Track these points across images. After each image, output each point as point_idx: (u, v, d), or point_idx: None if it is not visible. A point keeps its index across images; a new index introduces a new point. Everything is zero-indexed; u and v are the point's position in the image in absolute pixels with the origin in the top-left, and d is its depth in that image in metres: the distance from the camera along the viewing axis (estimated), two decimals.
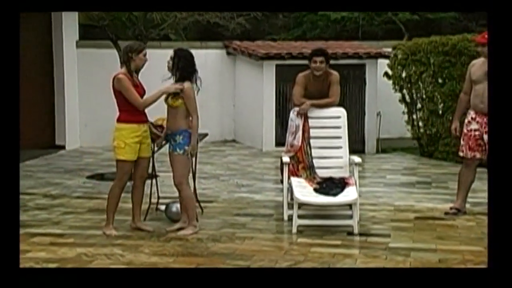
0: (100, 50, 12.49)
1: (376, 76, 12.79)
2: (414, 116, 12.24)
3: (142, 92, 6.59)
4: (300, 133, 7.49)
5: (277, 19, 17.83)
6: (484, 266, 5.62)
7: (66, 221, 7.21)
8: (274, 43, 13.93)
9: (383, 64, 12.75)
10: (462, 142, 7.56)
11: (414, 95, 12.16)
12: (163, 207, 7.56)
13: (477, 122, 7.41)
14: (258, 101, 12.50)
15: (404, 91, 12.27)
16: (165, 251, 6.08)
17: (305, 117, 7.53)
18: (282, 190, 8.69)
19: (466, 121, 7.56)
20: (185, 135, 6.56)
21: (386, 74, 12.49)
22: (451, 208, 7.53)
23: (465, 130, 7.52)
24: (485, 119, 7.34)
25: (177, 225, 6.82)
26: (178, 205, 7.02)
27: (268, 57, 12.23)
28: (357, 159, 7.25)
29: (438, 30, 16.75)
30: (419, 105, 12.14)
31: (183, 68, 6.56)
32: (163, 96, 6.56)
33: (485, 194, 8.15)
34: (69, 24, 12.39)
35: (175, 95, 6.52)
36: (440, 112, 11.66)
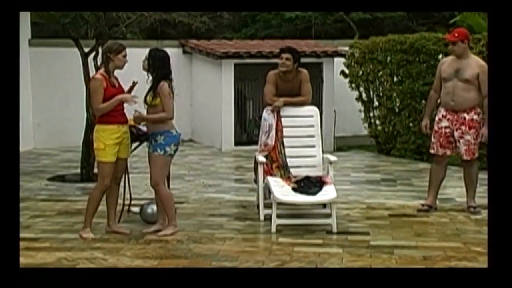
0: (54, 48, 12.23)
1: (333, 74, 12.87)
2: (371, 114, 12.37)
3: (121, 92, 6.47)
4: (273, 132, 7.45)
5: (222, 19, 17.77)
6: (466, 262, 5.74)
7: (36, 224, 7.00)
8: (231, 41, 13.87)
9: (339, 63, 12.85)
10: (433, 139, 7.65)
11: (371, 93, 12.29)
12: (134, 209, 7.45)
13: (448, 120, 7.51)
14: (217, 101, 12.43)
15: (361, 89, 12.39)
16: (148, 253, 5.97)
17: (278, 116, 7.50)
18: (251, 189, 8.78)
19: (436, 118, 7.66)
20: (166, 135, 6.49)
21: (342, 72, 12.59)
22: (423, 205, 7.62)
23: (435, 128, 7.61)
24: (455, 116, 7.45)
25: (154, 227, 6.70)
26: (154, 207, 6.91)
27: (226, 56, 12.16)
28: (332, 158, 7.27)
29: (381, 29, 17.02)
30: (376, 103, 12.27)
31: (159, 68, 6.47)
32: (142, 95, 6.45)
33: (452, 190, 8.35)
34: (21, 22, 12.05)
35: (153, 94, 6.43)
36: (398, 110, 11.82)
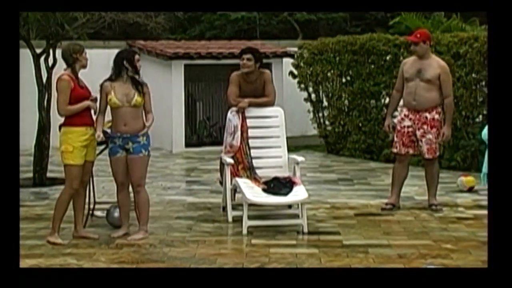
0: None
1: (282, 75, 12.92)
2: (320, 114, 12.47)
3: (88, 94, 6.35)
4: (238, 133, 7.40)
5: (149, 20, 17.53)
6: (440, 259, 5.82)
7: None
8: (179, 42, 13.77)
9: (287, 63, 12.92)
10: (395, 138, 7.74)
11: (321, 94, 12.39)
12: (98, 213, 7.30)
13: (410, 119, 7.62)
14: (167, 102, 12.29)
15: (310, 89, 12.48)
16: (122, 258, 5.85)
17: (243, 117, 7.46)
18: (211, 191, 8.76)
19: (399, 118, 7.76)
20: (146, 136, 6.45)
21: (291, 73, 12.65)
22: (386, 204, 7.70)
23: (398, 127, 7.71)
24: (417, 116, 7.57)
25: (121, 231, 6.57)
26: None
27: (177, 57, 12.06)
28: (299, 158, 7.28)
29: (316, 31, 17.24)
30: (325, 104, 12.38)
31: (127, 68, 6.43)
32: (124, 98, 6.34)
33: (410, 189, 8.47)
34: None
35: (139, 93, 6.35)
36: (347, 110, 11.95)
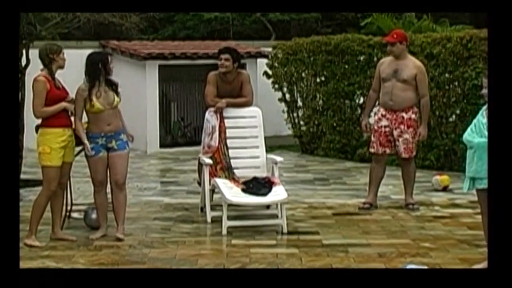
0: None
1: (256, 75, 12.91)
2: (295, 115, 12.50)
3: (65, 95, 6.30)
4: (216, 133, 7.39)
5: (124, 20, 17.45)
6: (420, 258, 5.86)
7: None
8: (153, 42, 13.70)
9: (261, 64, 12.92)
10: (373, 138, 7.79)
11: (295, 94, 12.41)
12: (75, 215, 7.24)
13: (387, 119, 7.66)
14: (141, 102, 12.22)
15: (285, 90, 12.50)
16: (102, 260, 5.80)
17: (221, 117, 7.44)
18: (188, 192, 8.73)
19: (376, 118, 7.80)
20: (126, 134, 6.55)
21: (265, 73, 12.66)
22: (364, 203, 7.74)
23: (375, 127, 7.75)
24: (394, 116, 7.62)
25: (99, 233, 6.51)
26: None
27: (151, 57, 12.00)
28: (278, 158, 7.29)
29: (287, 31, 17.31)
30: (300, 104, 12.41)
31: (110, 71, 6.46)
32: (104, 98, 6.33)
33: (386, 188, 8.51)
34: None
35: (116, 94, 6.37)
36: (322, 110, 11.98)
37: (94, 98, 6.28)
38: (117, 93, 6.42)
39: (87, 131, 6.40)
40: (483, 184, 5.36)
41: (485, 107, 5.53)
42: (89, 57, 6.56)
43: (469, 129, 5.51)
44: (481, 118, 5.43)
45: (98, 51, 6.57)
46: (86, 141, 6.28)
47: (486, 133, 5.34)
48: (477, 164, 5.37)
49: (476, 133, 5.42)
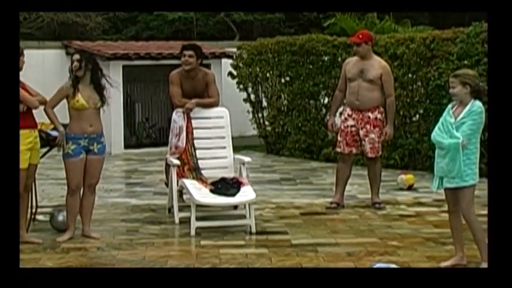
0: None
1: (221, 75, 12.90)
2: (260, 115, 12.52)
3: (29, 95, 6.21)
4: (184, 134, 7.36)
5: (88, 20, 17.33)
6: (388, 256, 5.91)
7: None
8: (116, 43, 13.60)
9: (226, 64, 12.92)
10: (339, 138, 7.83)
11: (260, 94, 12.44)
12: (40, 217, 7.15)
13: (353, 119, 7.72)
14: None
15: (250, 90, 12.51)
16: (70, 262, 5.74)
17: (188, 117, 7.42)
18: (155, 193, 8.69)
19: (342, 117, 7.85)
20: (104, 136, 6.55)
21: (230, 73, 12.66)
22: (331, 203, 7.78)
23: (341, 127, 7.80)
24: (360, 115, 7.67)
25: (67, 235, 6.45)
26: (65, 213, 6.63)
27: (115, 57, 11.91)
28: (246, 158, 7.29)
29: (250, 32, 17.35)
30: (265, 104, 12.43)
31: (98, 71, 6.46)
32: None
33: (352, 187, 8.57)
34: None
35: (102, 97, 6.43)
36: (287, 110, 12.02)
37: (79, 95, 6.23)
38: (102, 96, 6.37)
39: (69, 131, 6.33)
40: (455, 183, 5.42)
41: (450, 105, 5.59)
42: (91, 56, 6.70)
43: (436, 128, 5.54)
44: (448, 118, 5.48)
45: (89, 52, 6.59)
46: (61, 128, 6.26)
47: (456, 133, 5.39)
48: (448, 165, 5.40)
49: (445, 133, 5.45)
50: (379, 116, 7.67)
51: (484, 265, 5.36)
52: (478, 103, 5.43)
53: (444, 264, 5.56)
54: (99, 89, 6.41)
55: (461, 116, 5.43)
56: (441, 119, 5.56)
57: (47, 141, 6.54)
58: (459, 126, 5.40)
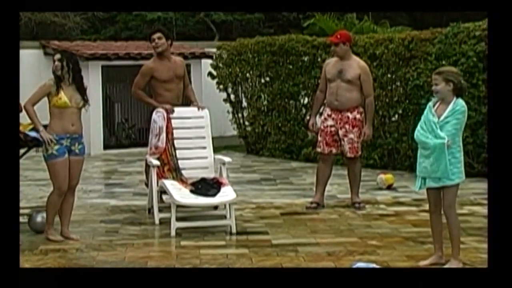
0: None
1: (201, 76, 12.90)
2: (240, 115, 12.52)
3: None
4: (164, 134, 7.34)
5: (66, 20, 17.24)
6: (368, 255, 5.94)
7: None
8: (95, 43, 13.53)
9: (206, 64, 12.91)
10: (319, 138, 7.85)
11: (240, 94, 12.44)
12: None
13: (333, 119, 7.74)
14: None
15: (229, 90, 12.51)
16: (49, 264, 5.69)
17: (168, 117, 7.40)
18: (134, 193, 8.66)
19: (322, 117, 7.88)
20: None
21: (210, 74, 12.65)
22: (311, 203, 7.79)
23: (321, 127, 7.82)
24: (339, 116, 7.70)
25: (58, 236, 6.41)
26: (44, 215, 6.58)
27: (94, 57, 11.85)
28: (226, 159, 7.28)
29: (229, 32, 17.35)
30: (245, 104, 12.44)
31: (78, 72, 6.41)
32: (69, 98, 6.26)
33: (332, 187, 8.59)
34: None
35: (84, 97, 6.40)
36: (267, 110, 12.03)
37: (62, 92, 6.21)
38: (84, 96, 6.36)
39: (50, 131, 6.27)
40: (441, 183, 5.42)
41: (431, 103, 5.56)
42: (73, 56, 6.62)
43: (419, 127, 5.51)
44: (431, 117, 5.43)
45: (70, 52, 6.56)
46: (41, 128, 6.22)
47: (440, 133, 5.36)
48: (433, 165, 5.39)
49: (429, 132, 5.41)
50: (358, 116, 7.69)
51: (453, 261, 5.41)
52: (461, 102, 5.41)
53: (423, 263, 5.59)
54: (82, 89, 6.37)
55: (444, 115, 5.39)
56: (423, 118, 5.52)
57: (25, 142, 6.48)
58: (443, 126, 5.37)
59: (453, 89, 5.41)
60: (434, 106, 5.51)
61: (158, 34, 7.57)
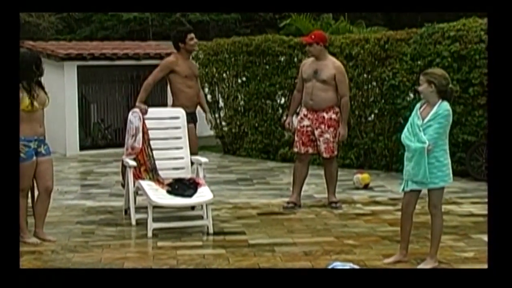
0: None
1: None
2: (217, 115, 12.51)
3: None
4: (140, 135, 7.30)
5: (41, 20, 17.12)
6: (344, 255, 5.96)
7: None
8: (70, 43, 13.44)
9: None
10: (296, 138, 7.87)
11: (217, 95, 12.42)
12: None
13: (309, 119, 7.76)
14: (59, 104, 11.92)
15: (206, 90, 12.47)
16: (24, 265, 5.59)
17: (143, 118, 7.37)
18: (111, 194, 8.62)
19: (298, 117, 7.90)
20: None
21: None
22: (288, 203, 7.81)
23: (298, 127, 7.84)
24: (315, 115, 7.71)
25: (32, 238, 6.36)
26: None
27: (69, 58, 11.77)
28: (203, 159, 7.27)
29: (206, 32, 17.33)
30: (221, 104, 12.43)
31: (40, 71, 6.36)
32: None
33: (309, 187, 8.61)
34: None
35: (47, 97, 6.37)
36: (244, 110, 12.03)
37: (28, 96, 6.16)
38: (46, 94, 6.35)
39: (21, 135, 6.20)
40: (424, 186, 5.45)
41: (418, 105, 5.57)
42: (23, 57, 6.30)
43: (405, 129, 5.53)
44: (416, 119, 5.45)
45: (28, 51, 6.44)
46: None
47: (423, 137, 5.38)
48: (414, 169, 5.42)
49: (413, 135, 5.43)
50: (333, 116, 7.71)
51: (429, 260, 5.45)
52: (445, 106, 5.41)
53: (387, 261, 5.65)
54: (43, 88, 6.35)
55: (427, 118, 5.41)
56: (409, 120, 5.54)
57: None
58: (426, 129, 5.39)
59: (436, 92, 5.41)
60: (420, 108, 5.52)
61: (192, 35, 7.68)
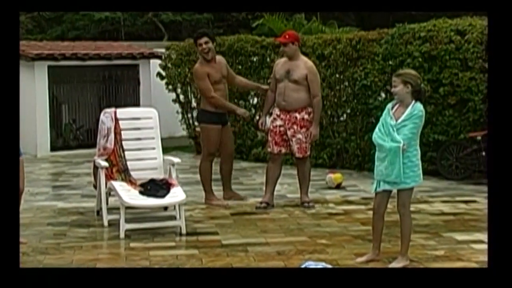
0: None
1: (150, 76, 12.83)
2: (189, 115, 12.48)
3: None
4: (112, 135, 7.28)
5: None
6: (317, 254, 5.98)
7: None
8: (41, 43, 13.33)
9: (155, 64, 12.84)
10: (269, 138, 7.89)
11: (189, 95, 12.39)
12: None
13: (281, 119, 7.77)
14: (30, 105, 11.85)
15: (179, 91, 12.46)
16: None
17: (116, 118, 7.34)
18: (83, 195, 8.56)
19: (271, 117, 7.91)
20: None
21: (159, 74, 12.58)
22: (261, 203, 7.81)
23: (271, 127, 7.85)
24: (287, 116, 7.73)
25: None
26: None
27: (40, 58, 11.67)
28: (175, 159, 7.26)
29: (179, 32, 17.30)
30: (194, 104, 12.40)
31: None
32: None
33: (281, 187, 8.62)
34: None
35: None
36: None
37: None
38: None
39: None
40: (395, 186, 5.47)
41: (390, 105, 5.60)
42: None
43: (377, 129, 5.52)
44: (388, 119, 5.45)
45: None
46: None
47: (397, 136, 5.38)
48: (387, 169, 5.43)
49: (386, 135, 5.43)
50: (306, 116, 7.73)
51: (401, 259, 5.49)
52: (419, 106, 5.43)
53: (360, 260, 5.68)
54: None
55: (402, 118, 5.41)
56: (381, 120, 5.54)
57: None
58: (400, 129, 5.40)
59: (411, 92, 5.43)
60: (392, 108, 5.53)
61: (205, 39, 7.57)
